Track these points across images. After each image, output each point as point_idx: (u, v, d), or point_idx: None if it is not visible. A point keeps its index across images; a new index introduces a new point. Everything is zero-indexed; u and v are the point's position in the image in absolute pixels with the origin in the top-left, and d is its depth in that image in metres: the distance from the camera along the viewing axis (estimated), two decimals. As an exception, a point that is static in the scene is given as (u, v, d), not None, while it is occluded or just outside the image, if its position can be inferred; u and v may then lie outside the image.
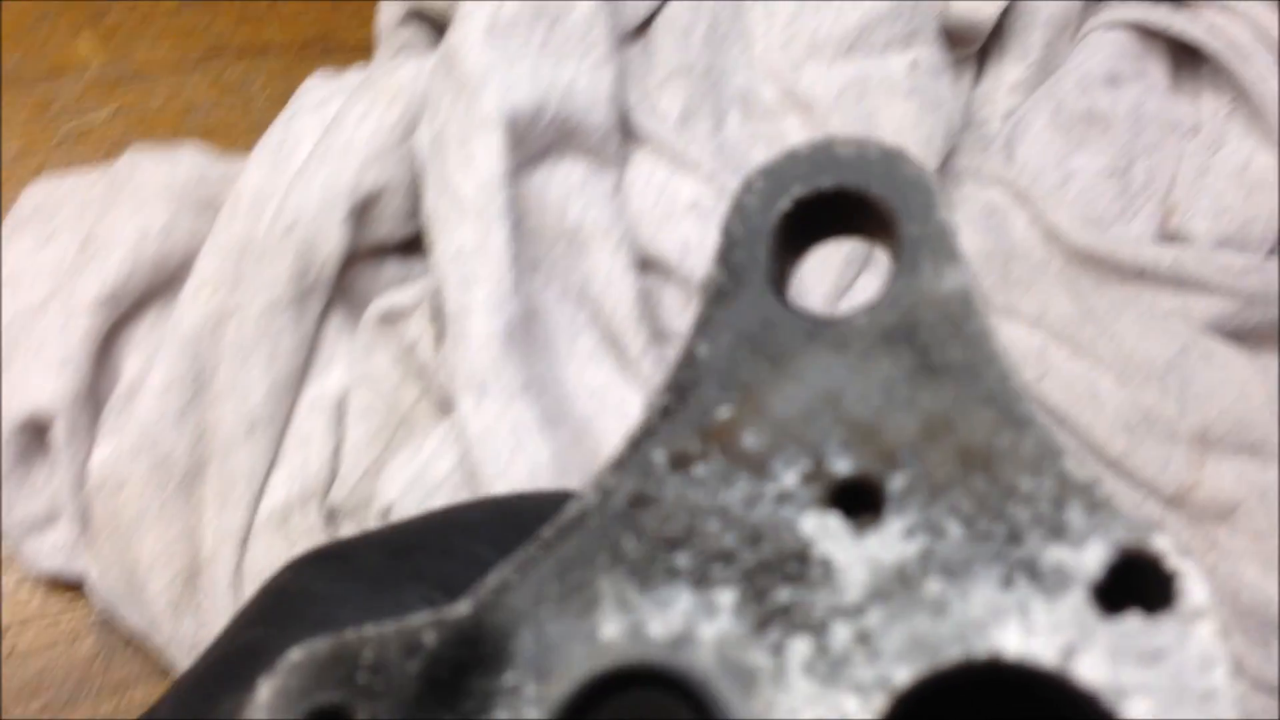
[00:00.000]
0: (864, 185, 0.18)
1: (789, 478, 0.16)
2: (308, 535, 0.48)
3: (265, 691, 0.16)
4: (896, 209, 0.18)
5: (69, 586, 0.51)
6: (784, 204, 0.18)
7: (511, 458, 0.45)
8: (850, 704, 0.15)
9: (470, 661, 0.16)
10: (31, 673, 0.49)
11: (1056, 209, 0.55)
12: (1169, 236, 0.57)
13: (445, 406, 0.50)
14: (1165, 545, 0.15)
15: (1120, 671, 0.15)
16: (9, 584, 0.50)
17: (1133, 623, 0.15)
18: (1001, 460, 0.16)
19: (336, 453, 0.50)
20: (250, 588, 0.47)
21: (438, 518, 0.27)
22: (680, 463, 0.17)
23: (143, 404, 0.48)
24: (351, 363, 0.51)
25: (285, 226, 0.48)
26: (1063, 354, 0.53)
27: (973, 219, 0.56)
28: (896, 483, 0.16)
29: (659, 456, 0.17)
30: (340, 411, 0.50)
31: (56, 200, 0.55)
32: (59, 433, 0.49)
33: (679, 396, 0.17)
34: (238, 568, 0.48)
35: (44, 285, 0.53)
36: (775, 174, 0.18)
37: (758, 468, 0.16)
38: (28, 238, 0.54)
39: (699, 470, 0.17)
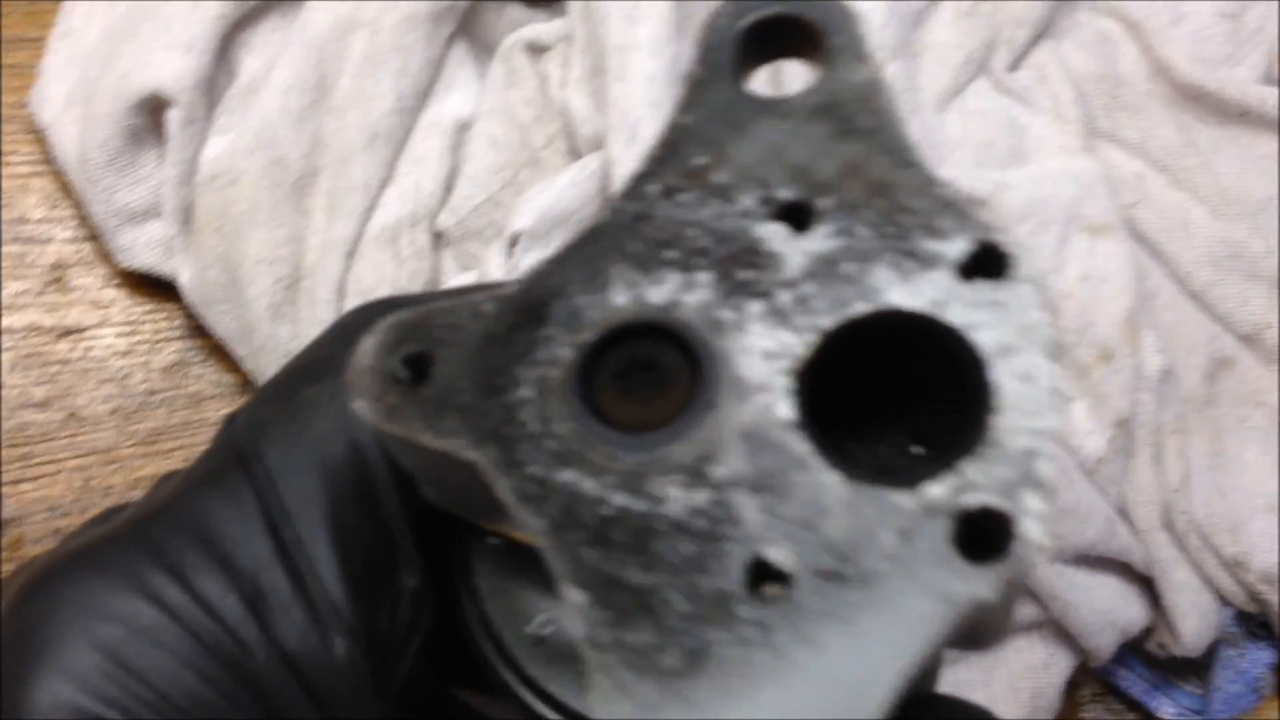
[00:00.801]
0: (801, 11, 0.25)
1: (747, 200, 0.23)
2: (416, 257, 0.48)
3: (367, 343, 0.22)
4: (825, 26, 0.25)
5: (154, 292, 0.52)
6: (744, 23, 0.25)
7: None
8: (791, 339, 0.22)
9: (518, 322, 0.23)
10: (106, 376, 0.50)
11: (1167, 44, 0.56)
12: (1273, 83, 0.58)
13: (575, 153, 0.50)
14: (1006, 239, 0.22)
15: (972, 314, 0.22)
16: (92, 283, 0.52)
17: (982, 285, 0.22)
18: (896, 188, 0.23)
19: (450, 178, 0.50)
20: (352, 305, 0.46)
21: (476, 287, 0.33)
22: (669, 193, 0.23)
23: (263, 102, 0.48)
24: (485, 92, 0.51)
25: (429, -62, 0.46)
26: (1160, 182, 0.54)
27: (1085, 43, 0.57)
28: (823, 204, 0.23)
29: (654, 189, 0.23)
30: (458, 138, 0.50)
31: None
32: (175, 118, 0.48)
33: (668, 151, 0.24)
34: (342, 280, 0.48)
35: (169, -27, 0.50)
36: (739, 3, 0.25)
37: (725, 195, 0.23)
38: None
39: (683, 197, 0.23)
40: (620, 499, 0.21)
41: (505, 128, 0.50)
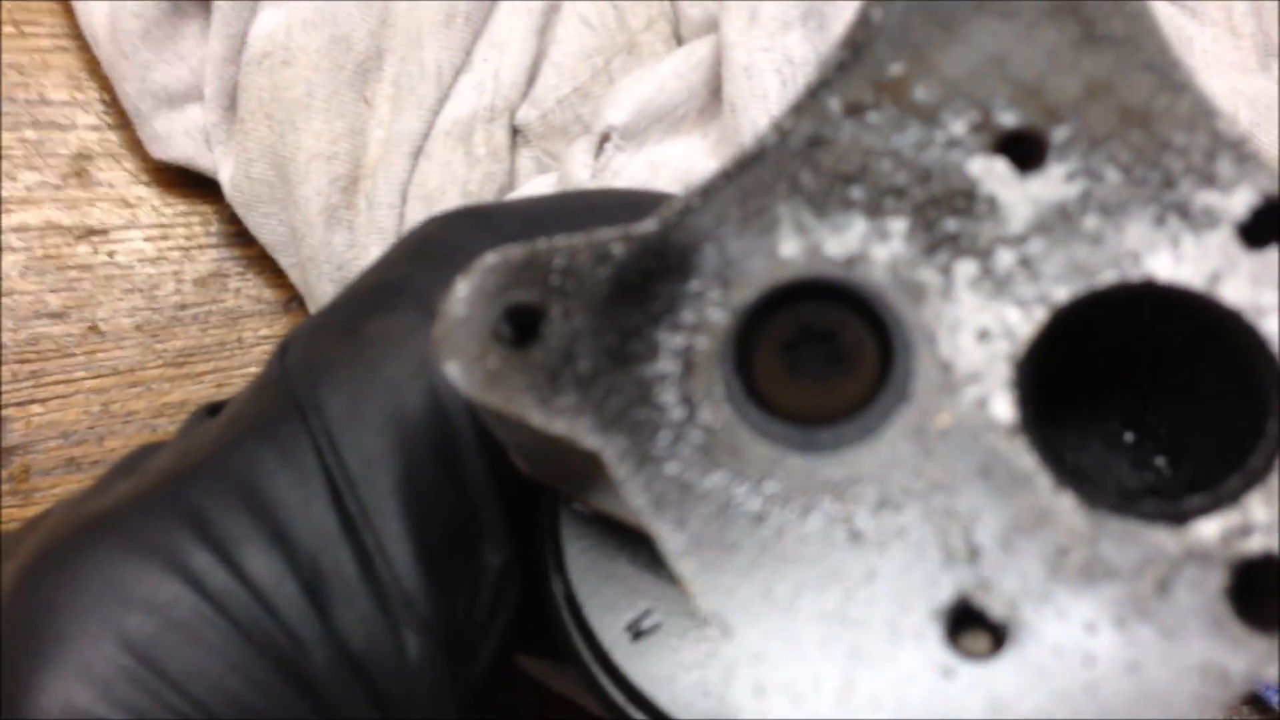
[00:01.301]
0: None
1: (958, 126, 0.18)
2: (491, 158, 0.45)
3: (463, 288, 0.18)
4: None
5: (190, 189, 0.48)
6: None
7: (778, 98, 0.40)
8: (1013, 315, 0.17)
9: (657, 270, 0.18)
10: (131, 285, 0.47)
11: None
12: None
13: (679, 38, 0.46)
14: (1307, 194, 0.18)
15: (1261, 294, 0.17)
16: (119, 177, 0.48)
17: (1274, 255, 0.17)
18: (1158, 118, 0.18)
19: (534, 67, 0.46)
20: (416, 210, 0.44)
21: (568, 197, 0.29)
22: (854, 110, 0.19)
23: (322, -29, 0.44)
24: None
25: None
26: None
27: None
28: (1059, 135, 0.18)
29: (834, 104, 0.19)
30: (546, 19, 0.46)
31: None
32: (222, -14, 0.44)
33: (854, 53, 0.19)
34: (407, 182, 0.44)
35: None
36: None
37: (928, 117, 0.19)
38: None
39: (872, 117, 0.19)
40: (786, 515, 0.17)
41: (599, 6, 0.45)
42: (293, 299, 0.47)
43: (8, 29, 0.48)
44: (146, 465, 0.24)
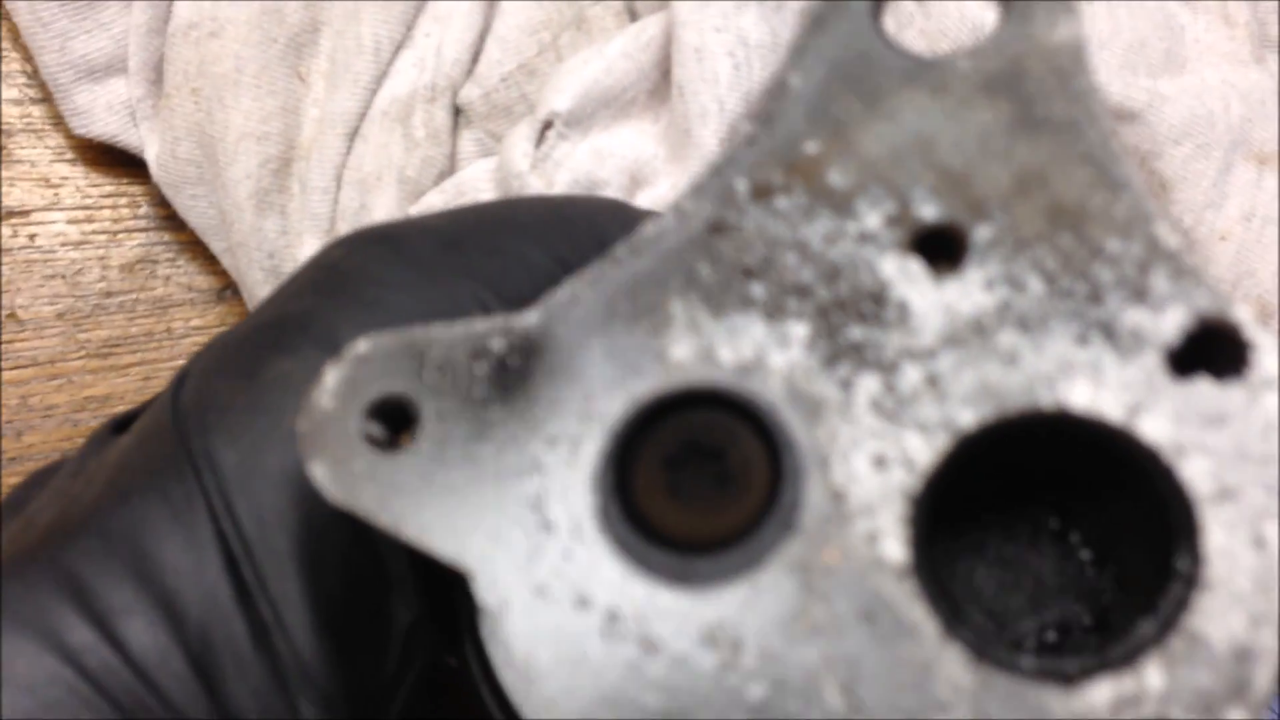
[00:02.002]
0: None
1: (872, 219, 0.17)
2: (431, 140, 0.44)
3: (331, 379, 0.17)
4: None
5: (116, 169, 0.46)
6: (893, -68, 0.18)
7: (729, 83, 0.39)
8: (913, 441, 0.17)
9: (537, 370, 0.17)
10: (53, 270, 0.45)
11: None
12: None
13: (632, 14, 0.45)
14: (1245, 316, 0.17)
15: (1183, 431, 0.16)
16: (41, 155, 0.46)
17: (1201, 387, 0.16)
18: (1092, 220, 0.17)
19: (479, 43, 0.45)
20: (351, 194, 0.43)
21: (490, 213, 0.27)
22: (762, 193, 0.18)
23: (255, -66, 0.43)
24: None
25: None
26: None
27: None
28: (982, 233, 0.17)
29: (741, 185, 0.18)
30: None
31: None
32: (147, -49, 0.43)
33: (766, 126, 0.18)
34: (342, 165, 0.43)
35: None
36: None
37: (841, 206, 0.17)
38: None
39: (781, 203, 0.18)
40: (661, 664, 0.16)
41: (544, -23, 0.43)
42: (226, 287, 0.46)
43: (-83, -2, 0.46)
44: (33, 511, 0.23)
